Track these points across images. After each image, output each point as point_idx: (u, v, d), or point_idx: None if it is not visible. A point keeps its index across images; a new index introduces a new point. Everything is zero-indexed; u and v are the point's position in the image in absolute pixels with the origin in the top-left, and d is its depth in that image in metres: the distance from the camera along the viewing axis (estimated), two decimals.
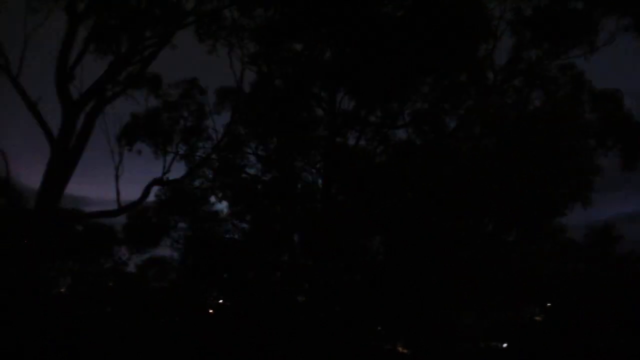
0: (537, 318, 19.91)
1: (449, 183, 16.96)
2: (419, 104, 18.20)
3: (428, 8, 16.04)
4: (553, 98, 16.60)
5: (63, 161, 14.16)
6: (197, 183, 17.89)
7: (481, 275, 17.26)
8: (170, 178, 16.97)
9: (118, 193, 15.31)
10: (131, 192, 16.35)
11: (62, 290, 17.25)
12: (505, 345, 19.12)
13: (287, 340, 16.19)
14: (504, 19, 16.58)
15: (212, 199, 18.22)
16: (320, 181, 18.43)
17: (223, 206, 18.32)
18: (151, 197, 17.07)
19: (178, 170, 17.01)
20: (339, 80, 17.69)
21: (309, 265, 18.02)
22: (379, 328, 18.82)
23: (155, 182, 16.54)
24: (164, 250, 18.51)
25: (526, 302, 18.71)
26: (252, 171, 18.33)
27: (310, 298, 18.09)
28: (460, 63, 17.14)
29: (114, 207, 15.41)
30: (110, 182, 15.45)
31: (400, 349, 19.05)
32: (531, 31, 16.54)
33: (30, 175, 15.21)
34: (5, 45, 14.01)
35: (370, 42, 16.37)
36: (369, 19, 16.37)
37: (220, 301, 19.63)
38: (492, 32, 16.69)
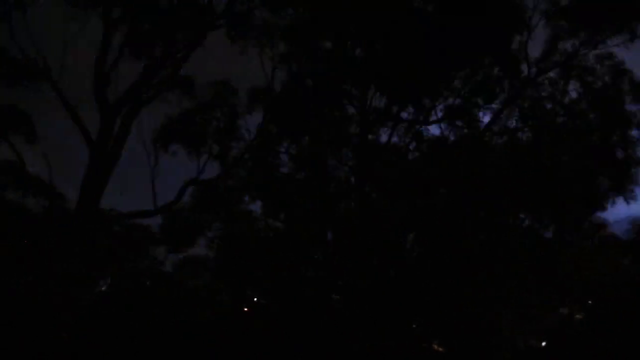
0: (578, 316, 19.41)
1: (484, 178, 16.73)
2: (451, 99, 17.98)
3: (459, 1, 15.84)
4: (591, 89, 16.14)
5: (102, 163, 14.58)
6: (231, 183, 18.07)
7: (519, 272, 16.96)
8: (205, 178, 17.19)
9: (154, 193, 15.65)
10: (167, 193, 16.67)
11: (103, 289, 17.71)
12: (544, 344, 18.71)
13: (322, 338, 16.22)
14: (538, 9, 16.23)
15: (246, 198, 18.40)
16: (353, 179, 18.41)
17: (257, 205, 18.50)
18: (187, 198, 17.37)
19: (212, 171, 17.23)
20: (370, 77, 17.63)
21: (343, 263, 18.01)
22: (414, 326, 18.67)
23: (190, 182, 16.79)
24: (200, 250, 18.78)
25: (566, 300, 18.27)
26: (285, 170, 18.45)
27: (344, 296, 18.07)
28: (493, 56, 16.87)
29: (151, 208, 15.78)
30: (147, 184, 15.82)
31: (435, 347, 18.85)
32: (567, 21, 16.12)
33: (70, 177, 15.67)
34: (46, 52, 14.48)
35: (400, 37, 16.26)
36: (399, 15, 16.26)
37: (255, 299, 19.79)
38: (526, 24, 16.35)
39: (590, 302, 18.71)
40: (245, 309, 19.59)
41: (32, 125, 15.44)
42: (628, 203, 16.33)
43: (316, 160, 17.99)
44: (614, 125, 16.48)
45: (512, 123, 17.46)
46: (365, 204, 17.93)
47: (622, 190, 16.73)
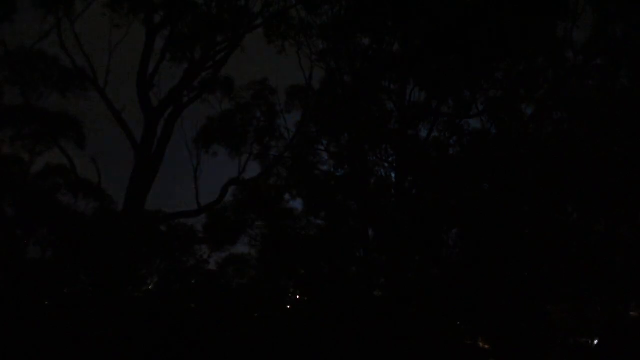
0: (633, 314, 18.61)
1: (529, 171, 16.29)
2: (492, 92, 17.58)
3: None
4: None
5: (146, 165, 14.99)
6: (271, 181, 18.27)
7: (568, 267, 16.45)
8: (246, 178, 17.44)
9: (197, 193, 15.97)
10: (209, 193, 16.98)
11: (150, 287, 18.22)
12: (596, 342, 18.05)
13: (365, 335, 16.18)
14: None
15: (287, 196, 18.56)
16: (393, 175, 18.29)
17: (298, 203, 18.63)
18: (229, 197, 17.65)
19: (253, 170, 17.46)
20: (409, 72, 17.46)
21: (384, 260, 17.92)
22: (459, 323, 18.39)
23: (231, 182, 17.05)
24: (243, 248, 19.06)
25: (620, 297, 17.55)
26: (324, 168, 18.51)
27: (386, 293, 17.98)
28: (536, 45, 16.37)
29: (194, 207, 16.12)
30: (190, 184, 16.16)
31: (481, 344, 18.50)
32: (616, 4, 15.45)
33: (118, 180, 16.21)
34: (92, 59, 15.02)
35: (438, 30, 16.01)
36: (436, 6, 16.02)
37: (298, 297, 19.93)
38: (570, 9, 15.77)
39: None
40: (288, 307, 19.76)
41: (81, 131, 16.13)
42: None
43: (356, 157, 17.95)
44: None
45: (558, 114, 16.91)
46: (405, 200, 17.78)
47: None
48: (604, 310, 18.15)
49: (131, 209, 14.90)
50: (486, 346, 18.06)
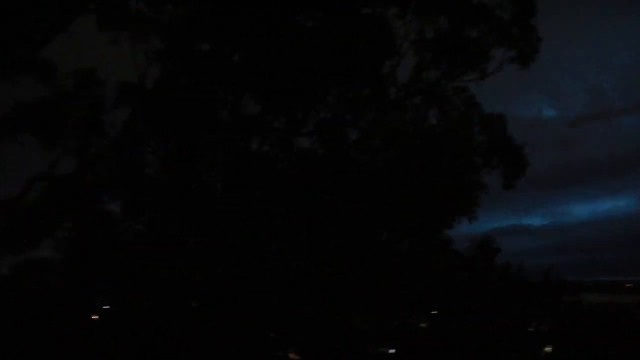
0: (423, 325, 21.03)
1: (348, 191, 17.50)
2: (323, 114, 18.57)
3: (338, 23, 16.48)
4: (447, 117, 17.74)
5: None
6: (89, 180, 16.71)
7: (372, 282, 17.94)
8: (58, 174, 15.72)
9: None
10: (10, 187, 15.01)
11: None
12: (393, 351, 19.96)
13: (177, 347, 15.66)
14: (408, 39, 17.42)
15: (105, 197, 17.14)
16: (220, 185, 18.13)
17: (117, 206, 17.32)
18: (34, 194, 15.73)
19: (69, 166, 15.83)
20: (246, 84, 17.56)
21: (204, 269, 17.59)
22: (272, 335, 18.81)
23: (39, 176, 15.26)
24: (46, 252, 17.05)
25: (414, 310, 19.72)
26: (150, 171, 17.54)
27: (202, 304, 17.68)
28: (365, 77, 17.77)
29: None
30: None
31: (291, 355, 19.16)
32: (431, 53, 17.56)
33: None
34: None
35: (279, 50, 16.45)
36: (279, 27, 16.45)
37: (107, 307, 18.49)
38: (396, 50, 17.47)
39: (434, 312, 20.42)
40: (94, 317, 18.24)
41: None
42: (470, 222, 18.13)
43: (184, 163, 17.41)
44: (462, 151, 18.24)
45: (377, 142, 18.50)
46: (230, 210, 17.73)
47: (466, 210, 18.54)
48: (400, 321, 20.23)
49: None
50: (296, 357, 18.75)
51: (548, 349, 25.46)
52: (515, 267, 20.18)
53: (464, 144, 17.63)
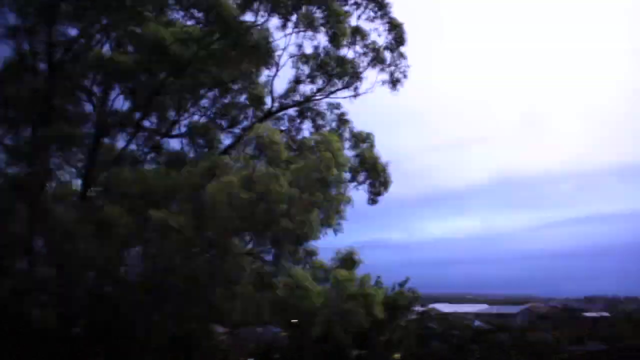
0: (284, 333, 21.11)
1: (215, 199, 17.10)
2: (197, 116, 18.12)
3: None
4: (320, 132, 18.14)
5: None
6: None
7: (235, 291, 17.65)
8: None
9: None
10: None
11: None
12: None
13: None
14: (287, 51, 17.61)
15: None
16: (79, 182, 16.79)
17: None
18: None
19: None
20: (115, 77, 16.50)
21: (54, 274, 16.10)
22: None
23: None
24: None
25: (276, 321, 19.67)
26: None
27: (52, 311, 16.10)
28: (243, 84, 17.67)
29: None
30: None
31: None
32: (309, 68, 17.93)
33: None
34: None
35: None
36: None
37: None
38: (274, 61, 17.56)
39: (295, 321, 20.60)
40: None
41: None
42: (336, 234, 18.61)
43: (38, 155, 15.83)
44: (336, 166, 18.72)
45: (251, 150, 18.36)
46: (89, 210, 16.44)
47: (331, 223, 19.02)
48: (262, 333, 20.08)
49: None
50: None
51: (397, 355, 27.13)
52: (373, 279, 20.97)
53: (334, 159, 18.09)
